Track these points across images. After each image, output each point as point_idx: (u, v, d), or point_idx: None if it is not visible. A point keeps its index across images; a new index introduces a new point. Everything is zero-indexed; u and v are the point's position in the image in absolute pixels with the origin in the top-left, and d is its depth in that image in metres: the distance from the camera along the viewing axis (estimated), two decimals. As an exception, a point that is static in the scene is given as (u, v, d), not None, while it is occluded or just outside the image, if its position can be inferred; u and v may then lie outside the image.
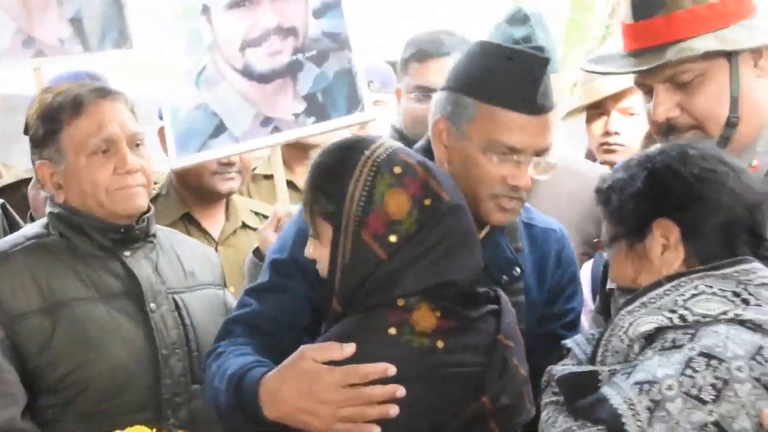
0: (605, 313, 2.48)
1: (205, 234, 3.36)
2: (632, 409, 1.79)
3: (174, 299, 2.64)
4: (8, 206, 3.10)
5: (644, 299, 1.95)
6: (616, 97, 3.48)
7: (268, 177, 3.88)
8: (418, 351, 2.04)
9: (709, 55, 2.27)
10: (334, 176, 2.11)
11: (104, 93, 2.63)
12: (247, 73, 2.92)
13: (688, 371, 1.79)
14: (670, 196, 1.99)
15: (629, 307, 1.95)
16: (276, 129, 2.89)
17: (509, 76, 2.28)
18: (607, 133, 3.54)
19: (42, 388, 2.49)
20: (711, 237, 1.98)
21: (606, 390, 1.86)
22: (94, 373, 2.49)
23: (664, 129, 2.34)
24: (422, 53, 3.30)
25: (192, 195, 3.43)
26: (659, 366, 1.82)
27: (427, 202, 2.07)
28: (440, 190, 2.09)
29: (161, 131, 3.40)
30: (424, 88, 3.24)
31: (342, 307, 2.12)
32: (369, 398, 2.01)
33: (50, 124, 2.59)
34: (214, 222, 3.46)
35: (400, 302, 2.06)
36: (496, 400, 2.05)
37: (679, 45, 2.27)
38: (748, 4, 2.35)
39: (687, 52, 2.25)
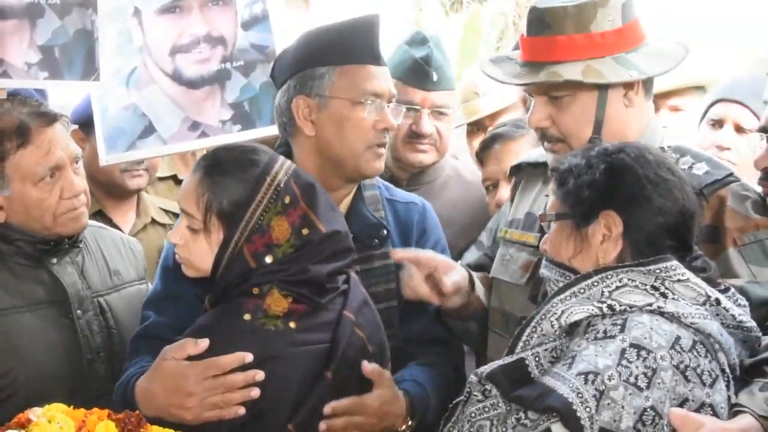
0: None
1: (116, 230, 3.35)
2: (580, 397, 1.92)
3: (99, 303, 2.69)
4: None
5: (575, 289, 2.09)
6: (492, 116, 3.75)
7: (164, 179, 3.98)
8: (273, 332, 2.24)
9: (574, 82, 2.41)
10: (240, 192, 2.29)
11: (49, 119, 2.61)
12: (177, 77, 2.97)
13: (624, 362, 1.94)
14: (622, 192, 2.11)
15: (561, 296, 2.09)
16: (204, 134, 2.96)
17: (354, 39, 2.57)
18: None
19: None
20: (646, 236, 2.11)
21: (549, 381, 1.99)
22: (20, 380, 2.52)
23: (538, 135, 2.55)
24: None
25: (103, 192, 3.50)
26: (597, 356, 1.96)
27: (305, 231, 2.30)
28: (317, 222, 2.31)
29: (74, 134, 3.44)
30: None
31: (211, 305, 2.31)
32: (231, 385, 2.20)
33: None
34: (125, 218, 3.54)
35: (255, 290, 2.27)
36: (340, 370, 2.27)
37: (553, 67, 2.43)
38: (631, 37, 2.48)
39: (555, 76, 2.41)
